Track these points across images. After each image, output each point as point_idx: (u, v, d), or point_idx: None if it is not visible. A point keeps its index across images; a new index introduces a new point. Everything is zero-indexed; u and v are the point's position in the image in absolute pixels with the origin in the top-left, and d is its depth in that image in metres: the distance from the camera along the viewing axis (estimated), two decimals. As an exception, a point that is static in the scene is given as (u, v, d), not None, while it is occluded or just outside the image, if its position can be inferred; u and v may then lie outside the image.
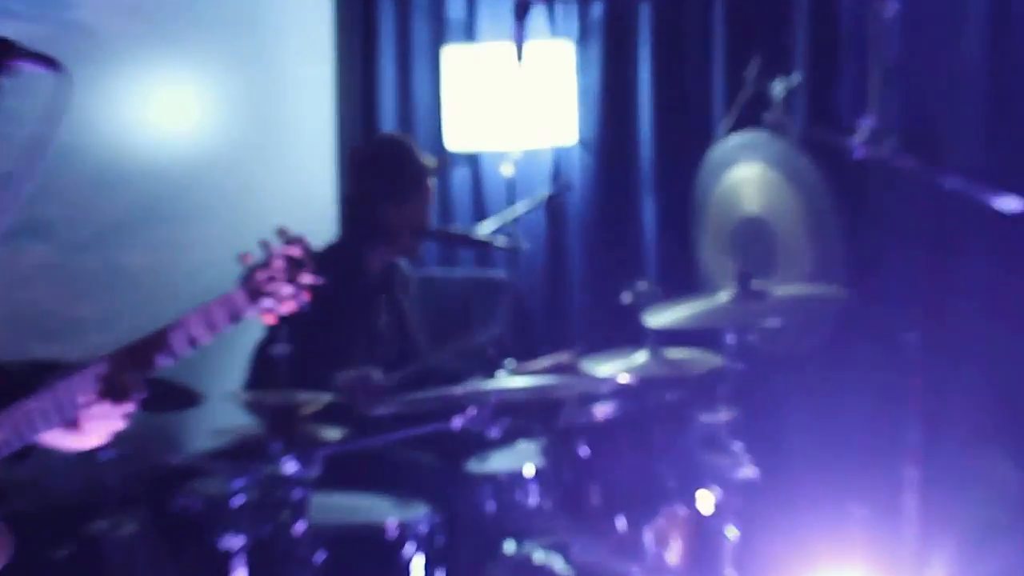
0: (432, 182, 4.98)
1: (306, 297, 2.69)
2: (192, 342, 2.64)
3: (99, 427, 2.73)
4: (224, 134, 5.72)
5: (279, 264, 2.66)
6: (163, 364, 2.67)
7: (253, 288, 2.65)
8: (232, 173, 5.71)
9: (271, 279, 2.65)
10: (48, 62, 2.10)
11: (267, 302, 2.66)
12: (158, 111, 5.36)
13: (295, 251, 2.68)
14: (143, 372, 2.67)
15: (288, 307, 2.69)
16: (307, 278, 2.69)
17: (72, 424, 2.70)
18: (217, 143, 5.67)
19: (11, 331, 4.60)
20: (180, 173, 5.41)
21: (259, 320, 2.70)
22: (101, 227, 5.07)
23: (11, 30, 4.50)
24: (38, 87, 2.13)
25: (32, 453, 2.78)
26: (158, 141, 5.35)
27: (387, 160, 5.00)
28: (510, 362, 4.22)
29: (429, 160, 5.00)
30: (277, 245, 2.68)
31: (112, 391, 2.64)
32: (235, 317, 2.65)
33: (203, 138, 5.60)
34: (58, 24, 4.84)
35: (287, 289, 2.66)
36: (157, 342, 2.64)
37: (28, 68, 2.06)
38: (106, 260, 5.11)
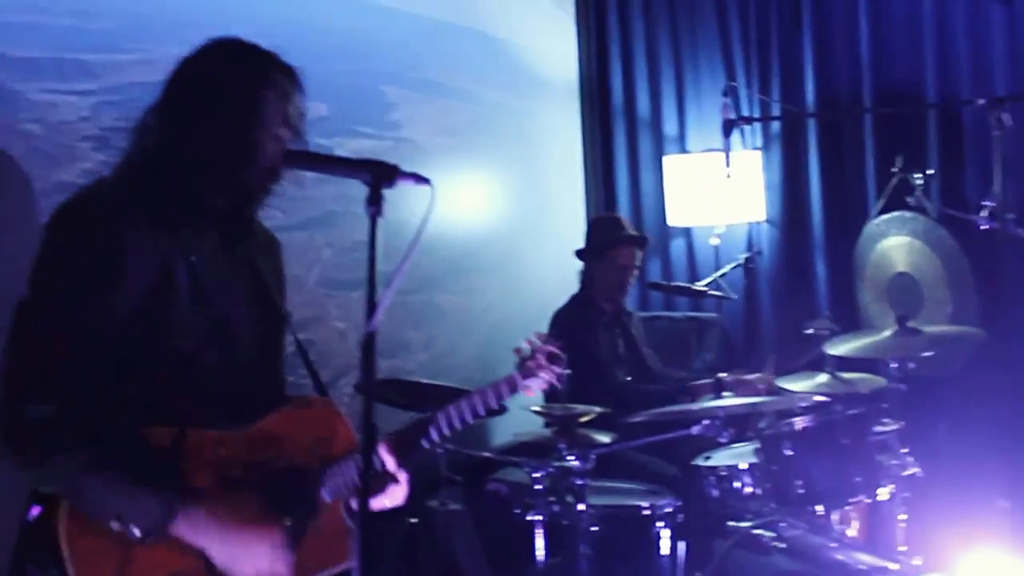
0: (631, 248, 4.79)
1: (557, 381, 2.51)
2: (484, 407, 2.44)
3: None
4: (502, 214, 5.61)
5: (541, 357, 2.50)
6: (450, 432, 2.42)
7: (526, 372, 2.49)
8: (507, 242, 5.63)
9: (538, 367, 2.48)
10: (419, 178, 1.91)
11: (532, 382, 2.49)
12: (459, 197, 5.28)
13: (552, 348, 2.52)
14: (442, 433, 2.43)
15: (544, 387, 2.51)
16: (559, 367, 2.52)
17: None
18: (497, 220, 5.57)
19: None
20: (474, 241, 5.33)
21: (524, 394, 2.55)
22: (424, 277, 5.01)
23: (362, 146, 4.70)
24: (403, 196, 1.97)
25: None
26: (459, 218, 5.25)
27: (594, 230, 4.90)
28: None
29: (633, 233, 4.85)
30: (539, 343, 2.51)
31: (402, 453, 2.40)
32: (512, 392, 2.48)
33: (487, 216, 5.50)
34: (393, 140, 4.81)
35: (546, 375, 2.49)
36: (465, 405, 2.42)
37: (403, 183, 1.87)
38: (427, 300, 5.04)
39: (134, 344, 2.13)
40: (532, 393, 2.53)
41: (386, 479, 2.35)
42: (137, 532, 2.05)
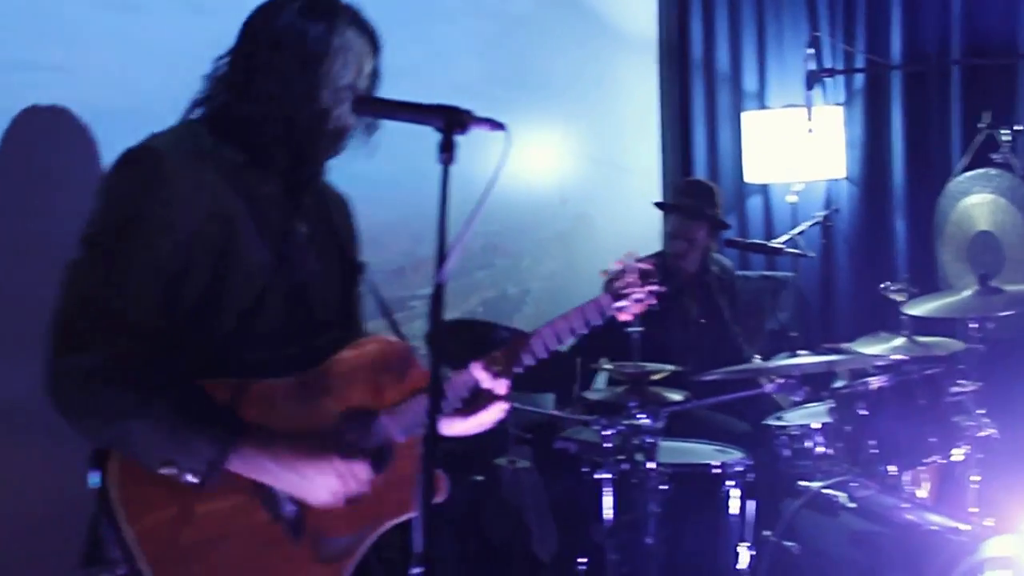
0: (691, 222, 4.74)
1: (653, 300, 2.49)
2: (571, 333, 2.42)
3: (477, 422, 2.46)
4: (571, 171, 5.56)
5: (633, 276, 2.47)
6: (544, 354, 2.42)
7: (615, 293, 2.46)
8: (576, 202, 5.57)
9: (628, 286, 2.46)
10: (494, 123, 1.92)
11: (624, 303, 2.46)
12: (527, 154, 5.18)
13: (645, 265, 2.50)
14: (527, 361, 2.42)
15: (639, 308, 2.49)
16: (654, 286, 2.49)
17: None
18: (566, 177, 5.51)
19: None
20: (541, 200, 5.28)
21: (617, 317, 2.50)
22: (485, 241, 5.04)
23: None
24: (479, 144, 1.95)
25: None
26: (526, 176, 5.20)
27: (675, 189, 4.99)
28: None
29: (698, 206, 4.80)
30: (631, 261, 2.50)
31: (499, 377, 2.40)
32: (602, 315, 2.46)
33: (556, 174, 5.46)
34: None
35: (639, 294, 2.47)
36: (544, 335, 2.41)
37: (477, 129, 1.89)
38: (488, 261, 5.03)
39: (193, 296, 2.11)
40: (627, 316, 2.48)
41: (485, 394, 2.37)
42: (191, 477, 2.04)
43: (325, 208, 2.43)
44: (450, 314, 4.75)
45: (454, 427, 2.43)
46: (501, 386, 2.39)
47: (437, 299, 1.77)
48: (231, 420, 2.10)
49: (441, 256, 1.76)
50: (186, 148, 2.16)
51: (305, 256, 2.31)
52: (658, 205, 4.97)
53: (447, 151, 1.79)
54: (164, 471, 2.04)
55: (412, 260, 4.48)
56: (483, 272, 5.04)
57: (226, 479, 2.10)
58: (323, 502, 2.18)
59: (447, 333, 2.14)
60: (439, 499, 2.38)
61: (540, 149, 5.34)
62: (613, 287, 2.48)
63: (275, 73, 2.16)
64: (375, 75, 2.28)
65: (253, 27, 2.24)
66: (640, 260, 2.50)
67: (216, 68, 2.26)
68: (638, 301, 2.48)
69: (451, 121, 1.82)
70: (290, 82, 2.16)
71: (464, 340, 3.78)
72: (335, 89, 2.20)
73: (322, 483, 2.15)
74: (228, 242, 2.15)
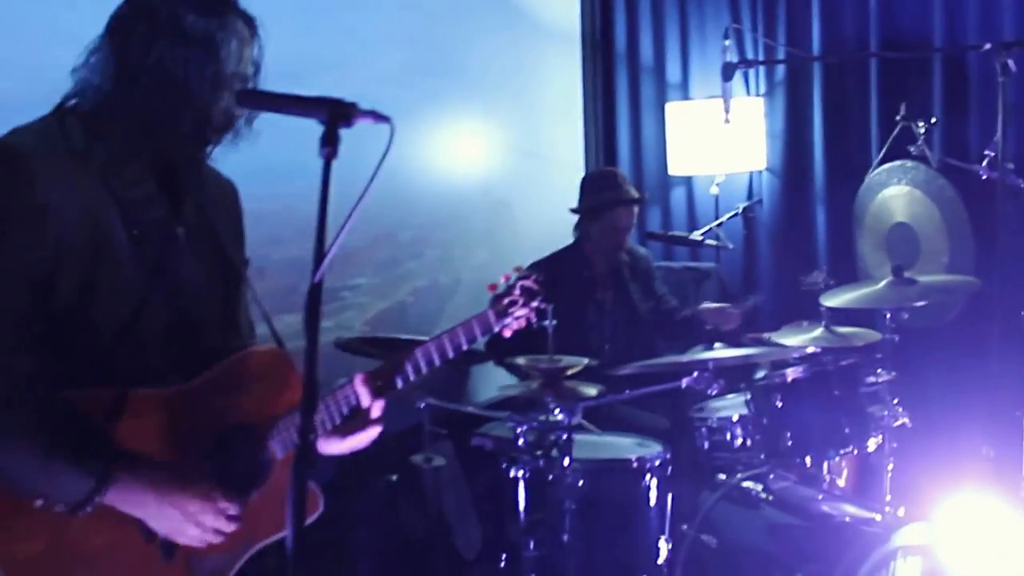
0: (631, 208, 4.78)
1: (535, 318, 2.51)
2: (455, 348, 2.40)
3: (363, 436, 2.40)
4: (495, 165, 5.58)
5: (517, 293, 2.49)
6: (427, 369, 2.40)
7: (500, 310, 2.48)
8: (500, 195, 5.62)
9: (512, 303, 2.48)
10: (378, 116, 1.88)
11: (508, 320, 2.49)
12: (448, 148, 5.21)
13: (529, 283, 2.51)
14: (406, 378, 2.40)
15: (521, 324, 2.51)
16: (537, 303, 2.51)
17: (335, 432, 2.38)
18: (489, 171, 5.53)
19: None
20: (464, 193, 5.30)
21: (501, 332, 2.52)
22: (414, 233, 5.02)
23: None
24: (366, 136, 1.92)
25: None
26: (448, 170, 5.21)
27: (592, 187, 4.85)
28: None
29: (634, 195, 4.81)
30: (516, 279, 2.51)
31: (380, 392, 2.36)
32: (486, 331, 2.46)
33: (479, 168, 5.47)
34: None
35: (523, 311, 2.49)
36: (429, 350, 2.38)
37: (362, 121, 1.85)
38: (414, 251, 5.01)
39: (63, 305, 2.01)
40: (509, 332, 2.50)
41: (362, 416, 2.31)
42: (63, 508, 1.97)
43: (207, 203, 2.33)
44: (382, 304, 4.78)
45: (330, 447, 2.36)
46: (376, 408, 2.34)
47: (314, 300, 1.69)
48: (106, 449, 2.02)
49: (319, 254, 1.69)
50: (55, 146, 2.07)
51: (182, 262, 2.23)
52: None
53: (330, 145, 1.72)
54: (36, 503, 1.96)
55: (341, 250, 4.39)
56: (414, 262, 5.05)
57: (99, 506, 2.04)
58: (196, 543, 2.13)
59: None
60: (312, 517, 2.31)
61: (466, 140, 5.37)
62: (499, 304, 2.49)
63: (171, 61, 2.07)
64: (256, 63, 2.22)
65: (129, 17, 2.13)
66: (524, 276, 2.51)
67: (88, 59, 2.13)
68: (520, 319, 2.50)
69: (335, 114, 1.74)
70: (187, 69, 2.08)
71: (371, 353, 3.74)
72: (226, 75, 2.13)
73: (197, 522, 2.10)
74: (99, 250, 2.06)
